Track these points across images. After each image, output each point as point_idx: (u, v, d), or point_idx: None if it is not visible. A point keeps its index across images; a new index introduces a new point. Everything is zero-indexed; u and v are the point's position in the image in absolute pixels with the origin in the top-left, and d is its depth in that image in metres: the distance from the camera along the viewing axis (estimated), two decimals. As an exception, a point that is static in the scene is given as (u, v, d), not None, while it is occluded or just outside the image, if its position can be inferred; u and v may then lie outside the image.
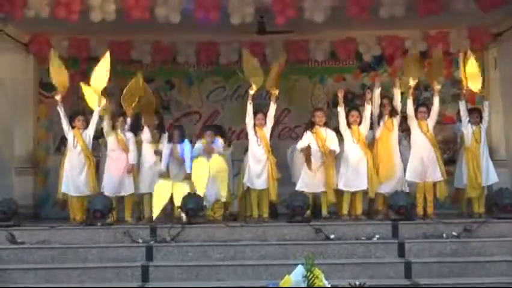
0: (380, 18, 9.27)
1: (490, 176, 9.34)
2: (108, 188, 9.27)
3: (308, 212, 8.84)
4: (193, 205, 8.66)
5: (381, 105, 9.43)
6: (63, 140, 10.32)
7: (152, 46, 11.14)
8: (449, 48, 10.94)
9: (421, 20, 9.33)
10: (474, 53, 9.52)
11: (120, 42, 10.92)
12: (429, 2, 8.95)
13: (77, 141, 9.27)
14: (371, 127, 9.41)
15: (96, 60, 9.64)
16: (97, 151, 9.98)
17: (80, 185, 9.20)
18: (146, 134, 9.51)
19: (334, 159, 9.22)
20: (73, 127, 9.36)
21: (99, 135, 9.75)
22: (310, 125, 9.42)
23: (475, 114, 9.46)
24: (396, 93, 9.48)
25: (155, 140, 9.53)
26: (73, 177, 9.22)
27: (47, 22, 9.30)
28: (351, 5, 8.96)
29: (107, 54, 9.36)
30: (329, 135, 9.32)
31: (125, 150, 9.37)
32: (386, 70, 11.29)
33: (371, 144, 9.42)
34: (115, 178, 9.31)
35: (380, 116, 9.44)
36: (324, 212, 9.33)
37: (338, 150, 9.21)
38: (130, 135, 9.48)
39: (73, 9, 8.87)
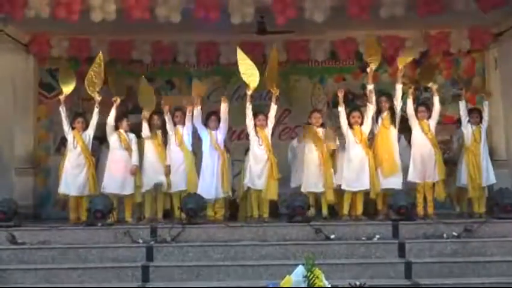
0: (380, 18, 9.26)
1: (490, 176, 9.34)
2: (109, 187, 9.27)
3: (311, 211, 8.86)
4: (193, 205, 8.66)
5: (379, 102, 9.38)
6: (63, 140, 10.33)
7: (152, 46, 11.14)
8: (449, 48, 10.95)
9: (421, 20, 9.32)
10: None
11: (120, 42, 10.93)
12: (430, 2, 8.94)
13: (76, 142, 9.28)
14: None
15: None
16: (97, 151, 9.97)
17: (80, 185, 9.21)
18: (145, 130, 9.49)
19: (334, 153, 9.23)
20: (73, 128, 9.37)
21: (100, 135, 9.74)
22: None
23: (475, 114, 9.45)
24: (398, 89, 9.31)
25: (159, 141, 9.52)
26: (72, 177, 9.23)
27: (47, 22, 9.31)
28: (351, 5, 8.96)
29: (100, 55, 9.40)
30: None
31: (128, 149, 9.39)
32: (386, 70, 11.27)
33: (371, 144, 9.40)
34: (116, 177, 9.31)
35: (378, 113, 9.38)
36: (324, 212, 9.33)
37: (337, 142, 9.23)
38: (132, 135, 9.50)
39: (73, 9, 8.86)
